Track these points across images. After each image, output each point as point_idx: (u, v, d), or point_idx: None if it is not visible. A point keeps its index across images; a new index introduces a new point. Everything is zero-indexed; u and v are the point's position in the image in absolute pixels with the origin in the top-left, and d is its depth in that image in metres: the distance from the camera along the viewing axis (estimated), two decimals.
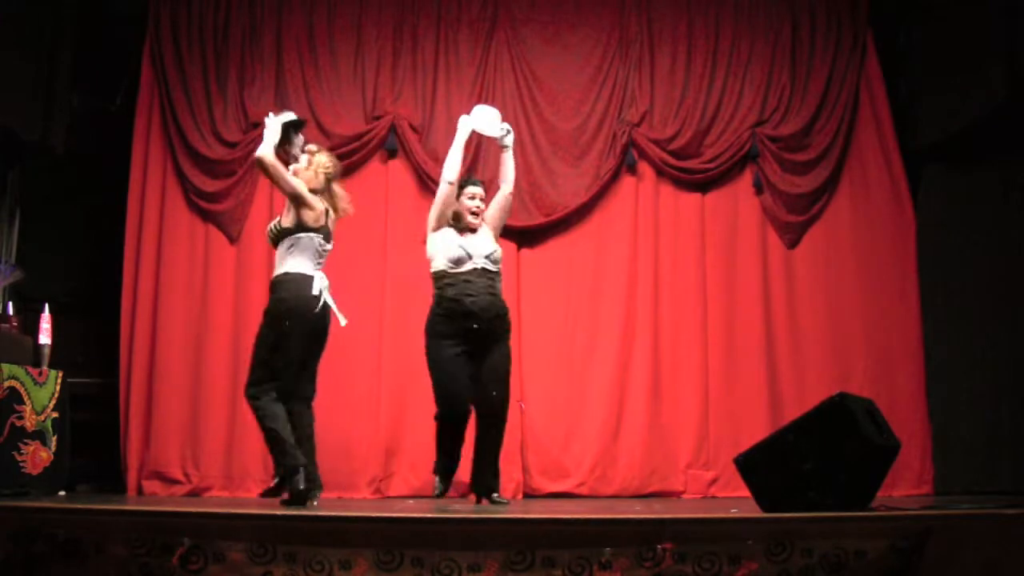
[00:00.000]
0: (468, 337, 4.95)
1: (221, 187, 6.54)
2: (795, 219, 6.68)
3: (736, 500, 5.41)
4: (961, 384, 6.28)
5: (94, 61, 6.56)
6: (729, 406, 6.47)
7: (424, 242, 5.21)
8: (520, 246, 6.57)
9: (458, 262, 4.99)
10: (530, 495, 6.27)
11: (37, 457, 5.06)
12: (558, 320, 6.56)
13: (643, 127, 6.69)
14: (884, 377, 6.47)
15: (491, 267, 5.05)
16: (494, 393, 5.01)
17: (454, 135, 5.19)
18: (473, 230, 5.13)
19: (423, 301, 6.03)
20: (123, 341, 6.39)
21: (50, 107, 6.07)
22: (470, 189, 5.19)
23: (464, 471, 5.19)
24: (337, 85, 6.67)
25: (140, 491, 6.20)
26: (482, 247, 5.06)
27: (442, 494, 5.12)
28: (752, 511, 3.96)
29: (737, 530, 3.55)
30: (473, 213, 5.14)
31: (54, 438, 5.18)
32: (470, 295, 4.95)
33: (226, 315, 6.45)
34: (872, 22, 6.82)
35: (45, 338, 5.38)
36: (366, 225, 6.23)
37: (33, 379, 5.10)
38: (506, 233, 5.92)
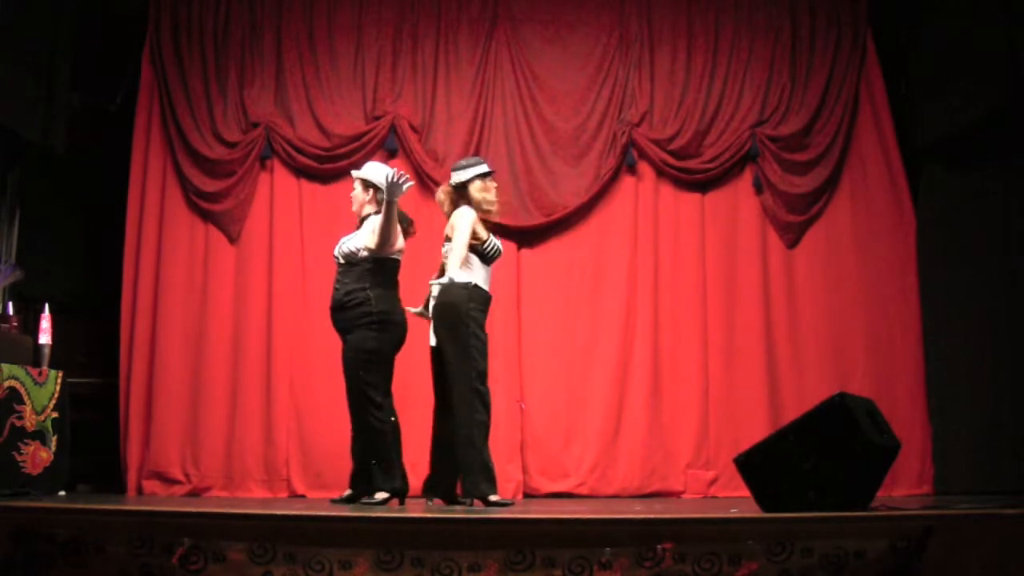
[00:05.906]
0: None
1: (221, 187, 6.54)
2: (795, 219, 6.68)
3: (736, 500, 5.40)
4: (961, 384, 6.28)
5: (94, 61, 6.55)
6: (729, 406, 6.47)
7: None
8: (520, 246, 6.57)
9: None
10: (530, 495, 6.26)
11: (37, 457, 5.06)
12: (558, 320, 6.56)
13: (643, 127, 6.69)
14: (884, 377, 6.47)
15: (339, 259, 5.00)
16: None
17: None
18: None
19: (422, 301, 6.03)
20: (123, 341, 6.40)
21: (50, 107, 6.06)
22: None
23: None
24: (337, 85, 6.66)
25: (140, 491, 6.20)
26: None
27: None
28: (752, 511, 3.96)
29: (737, 530, 3.55)
30: None
31: (54, 438, 5.17)
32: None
33: (226, 315, 6.45)
34: (872, 22, 6.82)
35: (45, 338, 5.36)
36: None
37: (33, 379, 5.10)
38: (506, 233, 5.92)
